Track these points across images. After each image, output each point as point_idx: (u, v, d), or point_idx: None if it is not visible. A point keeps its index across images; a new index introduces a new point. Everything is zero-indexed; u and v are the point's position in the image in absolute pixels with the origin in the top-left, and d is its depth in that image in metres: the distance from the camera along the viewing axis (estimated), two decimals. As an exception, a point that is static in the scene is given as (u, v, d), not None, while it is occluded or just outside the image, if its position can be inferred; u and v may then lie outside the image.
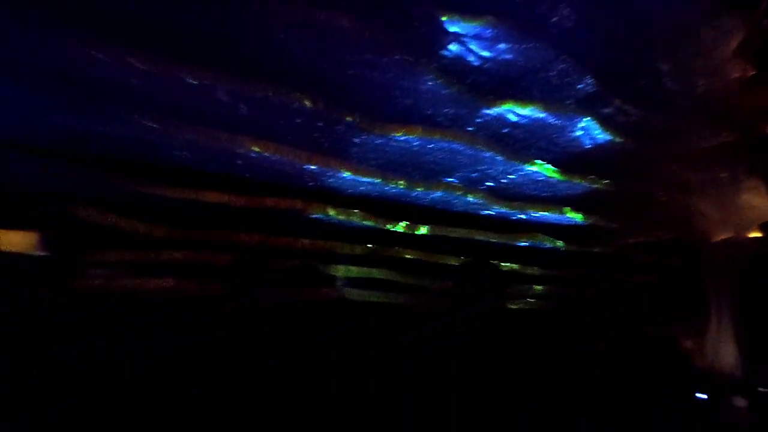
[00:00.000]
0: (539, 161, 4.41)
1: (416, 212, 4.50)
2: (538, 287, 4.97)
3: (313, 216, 4.19)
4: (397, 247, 4.43)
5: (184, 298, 3.93)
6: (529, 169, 4.41)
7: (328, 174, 4.09)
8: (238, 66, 3.30)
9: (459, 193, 4.45)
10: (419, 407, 3.64)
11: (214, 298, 3.99)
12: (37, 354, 3.56)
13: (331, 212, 4.20)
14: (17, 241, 4.26)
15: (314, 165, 3.99)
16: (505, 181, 4.49)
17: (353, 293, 4.22)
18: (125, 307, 3.85)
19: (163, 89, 3.23)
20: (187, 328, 3.93)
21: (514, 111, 4.06)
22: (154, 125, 3.59)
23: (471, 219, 4.59)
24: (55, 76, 3.14)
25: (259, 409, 3.69)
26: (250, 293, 4.10)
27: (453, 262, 4.58)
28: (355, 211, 4.24)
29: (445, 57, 3.69)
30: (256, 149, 3.84)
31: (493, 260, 4.72)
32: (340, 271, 4.23)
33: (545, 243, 4.99)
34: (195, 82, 3.28)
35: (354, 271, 4.27)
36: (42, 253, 4.03)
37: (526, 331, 4.33)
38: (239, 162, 4.01)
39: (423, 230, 4.52)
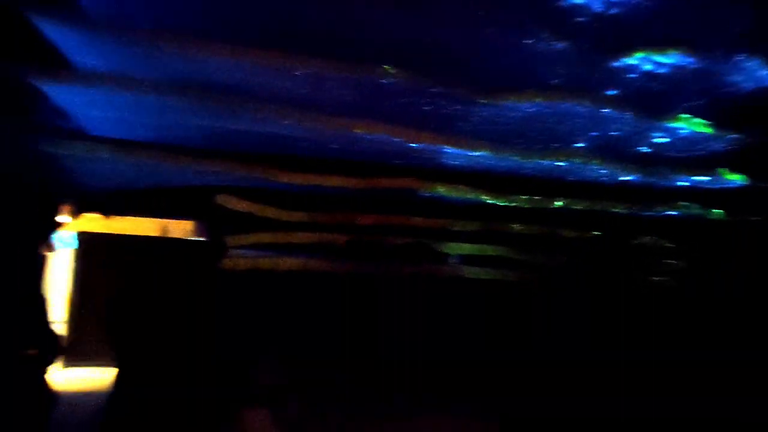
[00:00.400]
0: (684, 115, 3.80)
1: (533, 185, 4.28)
2: (676, 263, 4.37)
3: (425, 194, 4.24)
4: (511, 222, 4.28)
5: (312, 274, 4.32)
6: (670, 125, 3.84)
7: (437, 151, 4.09)
8: (342, 52, 3.39)
9: (581, 160, 4.10)
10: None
11: (338, 274, 4.31)
12: (198, 323, 4.25)
13: (442, 189, 4.21)
14: (181, 228, 5.10)
15: (423, 143, 4.02)
16: (638, 142, 3.99)
17: (467, 270, 4.20)
18: (265, 282, 4.39)
19: (276, 84, 3.50)
20: (315, 300, 4.34)
21: (650, 60, 3.52)
22: (278, 119, 3.94)
23: (596, 189, 4.21)
24: (197, 85, 3.62)
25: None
26: (370, 269, 4.35)
27: (575, 236, 4.27)
28: (467, 187, 4.19)
29: (560, 8, 3.31)
30: (367, 132, 3.99)
31: (623, 233, 4.28)
32: (453, 248, 4.24)
33: (693, 212, 4.35)
34: (304, 73, 3.49)
35: (467, 248, 4.24)
36: (200, 238, 4.77)
37: (659, 312, 3.88)
38: (354, 147, 4.22)
39: (540, 203, 4.29)
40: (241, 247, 4.37)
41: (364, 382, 4.14)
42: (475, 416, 3.72)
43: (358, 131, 3.96)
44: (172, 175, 4.52)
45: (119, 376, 3.58)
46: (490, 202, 4.20)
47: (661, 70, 3.56)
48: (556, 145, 4.05)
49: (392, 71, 3.52)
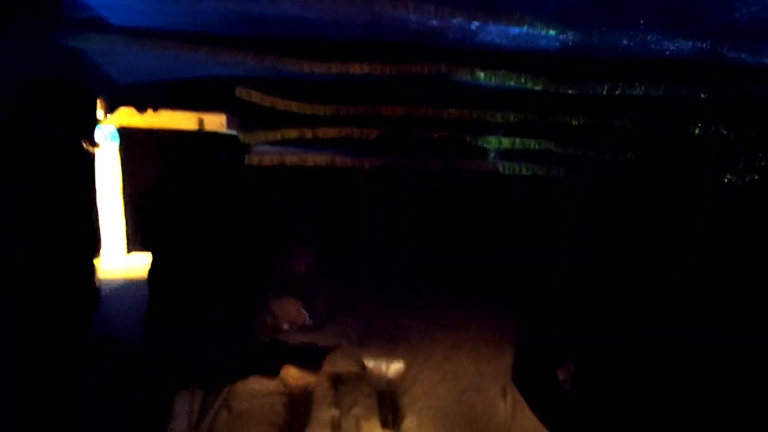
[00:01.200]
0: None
1: (591, 66, 3.60)
2: (761, 159, 3.60)
3: (460, 80, 3.74)
4: (561, 113, 3.71)
5: (338, 171, 4.16)
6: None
7: (473, 29, 3.49)
8: None
9: (656, 34, 3.31)
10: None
11: (366, 170, 4.11)
12: (230, 214, 4.35)
13: (481, 75, 3.68)
14: (216, 122, 5.02)
15: (457, 19, 3.44)
16: (738, 8, 3.11)
17: (506, 166, 3.81)
18: (292, 177, 4.31)
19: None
20: (340, 196, 4.23)
21: None
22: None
23: (663, 66, 3.45)
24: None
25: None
26: (400, 165, 4.09)
27: (635, 127, 3.64)
28: (508, 71, 3.62)
29: None
30: (392, 9, 3.46)
31: (694, 122, 3.58)
32: (492, 142, 3.81)
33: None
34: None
35: (507, 142, 3.79)
36: (229, 132, 4.69)
37: (739, 217, 3.30)
38: (378, 27, 3.72)
39: (599, 88, 3.64)
40: (267, 142, 4.24)
41: (394, 273, 4.13)
42: (497, 311, 3.62)
43: (382, 8, 3.45)
44: (194, 66, 4.32)
45: (155, 264, 3.80)
46: (536, 88, 3.63)
47: None
48: (626, 14, 3.27)
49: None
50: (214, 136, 4.74)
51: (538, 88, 3.65)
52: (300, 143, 4.14)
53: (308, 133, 4.10)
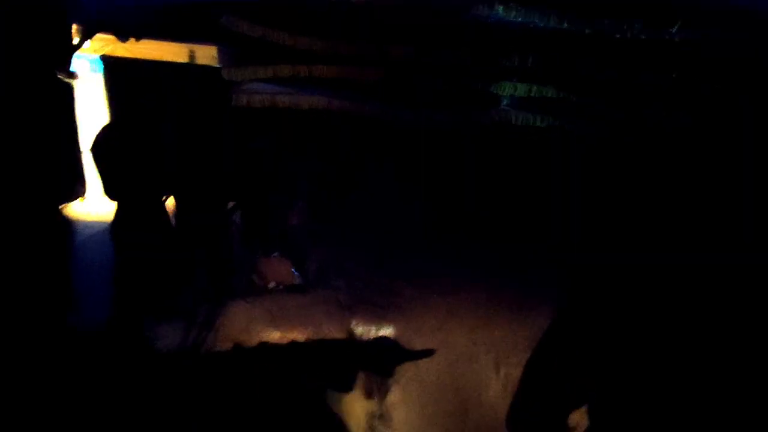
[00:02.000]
0: None
1: (633, 6, 3.06)
2: None
3: (477, 15, 3.24)
4: (589, 58, 3.21)
5: (335, 116, 3.77)
6: None
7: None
8: None
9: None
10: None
11: (365, 118, 3.71)
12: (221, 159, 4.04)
13: (500, 9, 3.18)
14: (208, 55, 4.58)
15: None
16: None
17: (520, 116, 3.37)
18: (284, 122, 3.94)
19: None
20: (337, 144, 3.88)
21: None
22: None
23: (720, 13, 2.90)
24: None
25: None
26: (400, 113, 3.68)
27: (678, 81, 3.13)
28: (532, 6, 3.11)
29: None
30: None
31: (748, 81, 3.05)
32: (506, 88, 3.35)
33: None
34: None
35: (522, 89, 3.33)
36: (219, 66, 4.26)
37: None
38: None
39: (640, 33, 3.11)
40: (257, 80, 3.84)
41: (388, 240, 3.84)
42: (495, 280, 3.33)
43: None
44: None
45: (124, 214, 3.55)
46: (561, 27, 3.11)
47: None
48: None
49: None
50: (207, 70, 4.33)
51: (563, 26, 3.13)
52: (294, 83, 3.72)
53: (303, 71, 3.68)
